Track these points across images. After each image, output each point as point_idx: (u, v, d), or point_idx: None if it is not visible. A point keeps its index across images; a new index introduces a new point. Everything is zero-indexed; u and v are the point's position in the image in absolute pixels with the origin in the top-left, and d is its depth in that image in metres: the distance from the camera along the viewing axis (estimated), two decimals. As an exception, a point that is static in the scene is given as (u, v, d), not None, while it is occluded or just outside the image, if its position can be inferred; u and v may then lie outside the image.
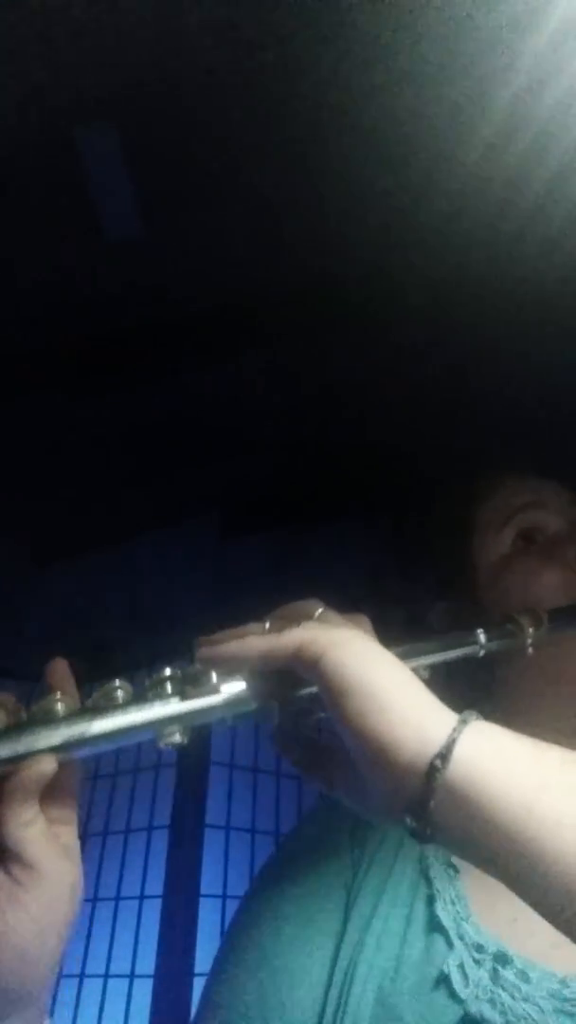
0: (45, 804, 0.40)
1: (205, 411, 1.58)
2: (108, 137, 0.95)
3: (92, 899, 1.34)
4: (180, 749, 0.40)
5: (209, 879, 1.30)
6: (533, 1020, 0.38)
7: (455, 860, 0.50)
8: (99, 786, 1.51)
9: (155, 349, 1.36)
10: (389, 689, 0.35)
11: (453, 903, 0.47)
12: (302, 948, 0.49)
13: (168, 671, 0.42)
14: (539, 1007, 0.39)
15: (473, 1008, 0.40)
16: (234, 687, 0.41)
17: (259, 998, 0.47)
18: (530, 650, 0.51)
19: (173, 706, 0.40)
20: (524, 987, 0.40)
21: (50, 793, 0.41)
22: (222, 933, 1.27)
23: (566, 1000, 0.39)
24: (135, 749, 1.51)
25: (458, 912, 0.47)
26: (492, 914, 0.46)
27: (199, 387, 1.51)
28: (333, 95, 0.90)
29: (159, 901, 1.26)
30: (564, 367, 1.25)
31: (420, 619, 0.70)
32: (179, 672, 0.43)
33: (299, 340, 1.35)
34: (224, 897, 1.30)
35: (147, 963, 1.22)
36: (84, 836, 1.43)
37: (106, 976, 1.24)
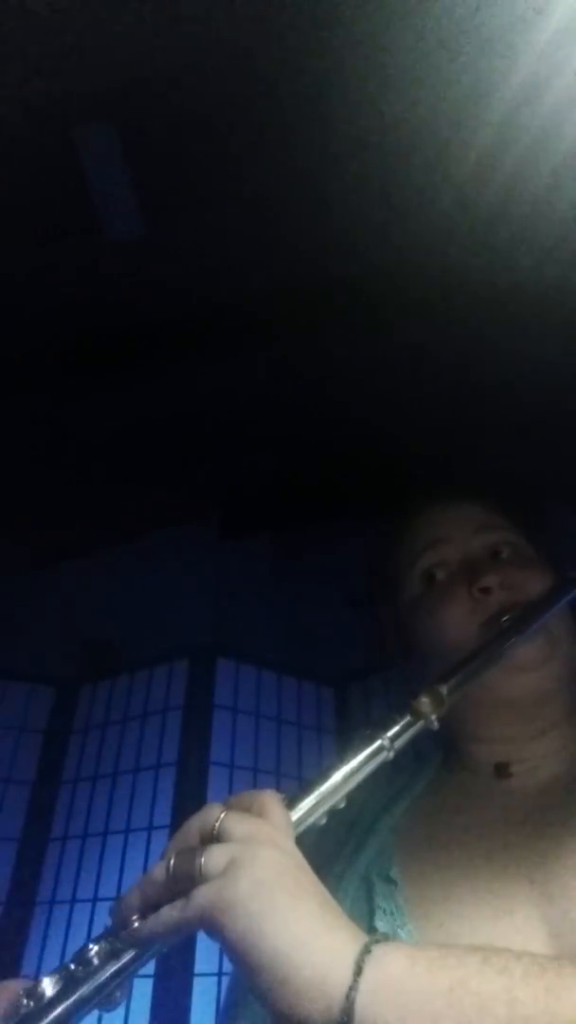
0: None
1: (205, 411, 1.59)
2: (108, 137, 0.95)
3: (92, 899, 1.35)
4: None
5: (209, 879, 1.30)
6: None
7: (393, 875, 0.55)
8: (99, 786, 1.51)
9: (155, 348, 1.36)
10: (287, 952, 0.36)
11: (392, 914, 0.52)
12: None
13: (93, 947, 0.43)
14: None
15: None
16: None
17: (233, 1017, 0.56)
18: (436, 725, 0.52)
19: (106, 975, 0.42)
20: None
21: None
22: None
23: None
24: (135, 749, 1.51)
25: (395, 921, 0.52)
26: (426, 922, 0.51)
27: (199, 387, 1.51)
28: (333, 95, 0.90)
29: (159, 901, 1.26)
30: (563, 366, 1.25)
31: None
32: (105, 945, 0.43)
33: (299, 339, 1.35)
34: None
35: (147, 963, 1.23)
36: (84, 836, 1.43)
37: (106, 976, 1.24)
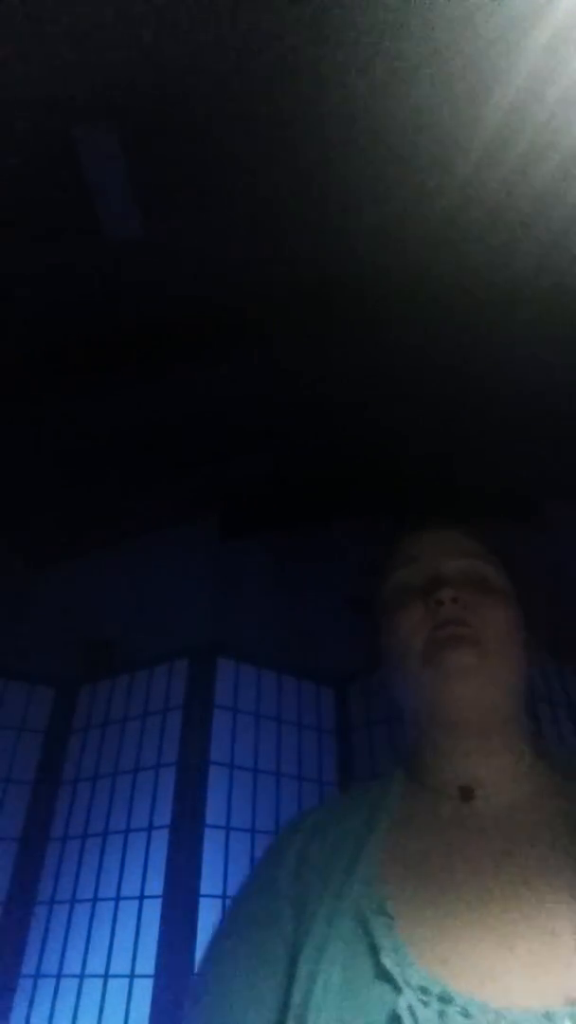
0: None
1: (205, 411, 1.59)
2: (108, 137, 0.95)
3: (92, 899, 1.34)
4: None
5: (209, 879, 1.30)
6: None
7: (388, 909, 0.55)
8: (99, 786, 1.51)
9: (154, 349, 1.36)
10: None
11: (395, 951, 0.52)
12: (249, 1011, 0.55)
13: None
14: None
15: None
16: None
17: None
18: None
19: None
20: (465, 1022, 0.45)
21: None
22: (222, 933, 1.27)
23: None
24: (135, 749, 1.51)
25: (401, 959, 0.51)
26: (427, 957, 0.51)
27: (198, 387, 1.51)
28: (333, 96, 0.90)
29: (159, 901, 1.26)
30: (562, 366, 1.25)
31: None
32: None
33: (298, 340, 1.35)
34: (224, 897, 1.30)
35: (147, 963, 1.22)
36: (84, 836, 1.43)
37: (106, 976, 1.24)
